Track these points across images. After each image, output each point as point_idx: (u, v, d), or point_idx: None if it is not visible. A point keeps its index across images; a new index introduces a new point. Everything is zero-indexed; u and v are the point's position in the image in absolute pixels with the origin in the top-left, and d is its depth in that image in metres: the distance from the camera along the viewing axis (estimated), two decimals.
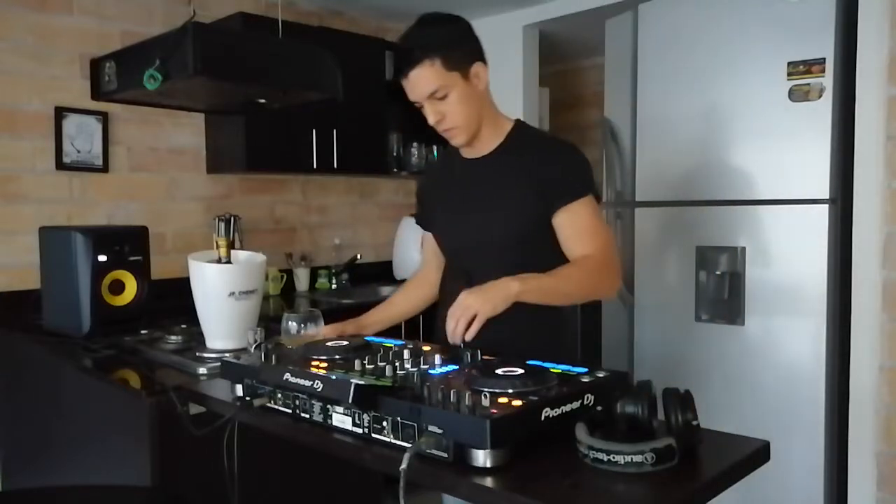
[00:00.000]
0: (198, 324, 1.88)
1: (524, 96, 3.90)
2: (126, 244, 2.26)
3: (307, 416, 1.28)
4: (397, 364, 1.29)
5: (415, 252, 3.38)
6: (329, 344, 1.46)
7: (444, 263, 1.83)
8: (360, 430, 1.19)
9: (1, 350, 2.52)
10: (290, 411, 1.31)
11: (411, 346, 1.43)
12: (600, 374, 1.25)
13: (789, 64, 2.44)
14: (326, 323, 1.68)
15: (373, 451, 1.15)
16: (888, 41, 2.39)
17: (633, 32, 2.86)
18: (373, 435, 1.17)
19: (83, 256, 2.16)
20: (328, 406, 1.24)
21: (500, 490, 1.00)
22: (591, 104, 4.70)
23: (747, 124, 2.56)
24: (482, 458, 1.03)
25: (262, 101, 2.36)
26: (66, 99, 2.89)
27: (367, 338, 1.60)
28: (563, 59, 4.73)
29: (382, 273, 3.95)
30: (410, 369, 1.29)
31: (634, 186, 2.88)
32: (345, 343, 1.46)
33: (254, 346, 1.48)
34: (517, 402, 1.08)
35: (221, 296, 1.79)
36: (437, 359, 1.34)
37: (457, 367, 1.31)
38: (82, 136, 2.93)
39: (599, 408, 1.17)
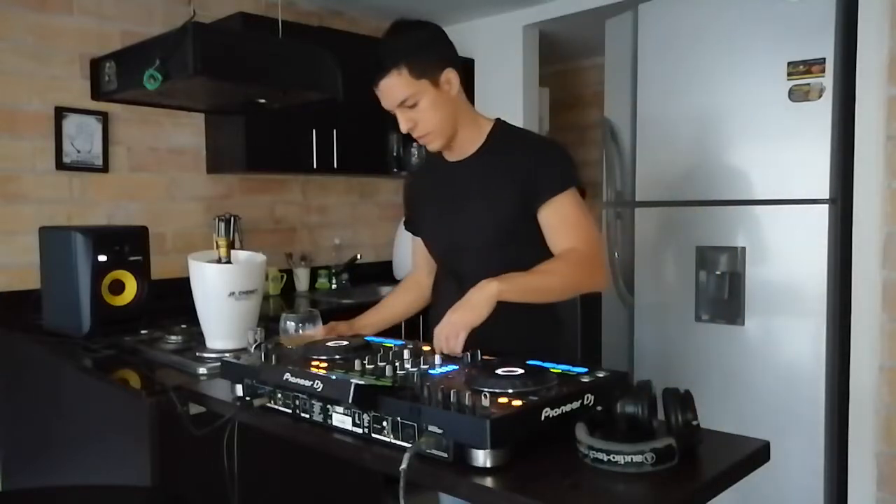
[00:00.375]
0: (198, 324, 1.88)
1: (524, 96, 3.89)
2: (126, 244, 2.26)
3: (307, 416, 1.28)
4: (397, 364, 1.29)
5: None
6: (329, 344, 1.46)
7: (434, 267, 1.82)
8: (360, 430, 1.19)
9: (1, 350, 2.52)
10: (290, 411, 1.31)
11: (411, 346, 1.44)
12: (600, 374, 1.25)
13: (789, 64, 2.44)
14: (325, 323, 1.68)
15: (373, 451, 1.15)
16: (888, 41, 2.39)
17: (633, 32, 2.86)
18: (373, 435, 1.17)
19: (83, 256, 2.16)
20: (328, 406, 1.24)
21: (500, 490, 1.00)
22: (591, 104, 4.69)
23: (747, 124, 2.56)
24: (482, 458, 1.03)
25: (262, 101, 2.36)
26: (66, 99, 2.89)
27: (366, 338, 1.60)
28: (563, 59, 4.73)
29: (382, 273, 3.95)
30: (410, 369, 1.29)
31: (634, 186, 2.88)
32: (345, 343, 1.46)
33: (254, 346, 1.48)
34: (517, 402, 1.08)
35: (221, 296, 1.79)
36: (437, 359, 1.35)
37: (457, 367, 1.31)
38: (82, 136, 2.93)
39: (599, 408, 1.17)
